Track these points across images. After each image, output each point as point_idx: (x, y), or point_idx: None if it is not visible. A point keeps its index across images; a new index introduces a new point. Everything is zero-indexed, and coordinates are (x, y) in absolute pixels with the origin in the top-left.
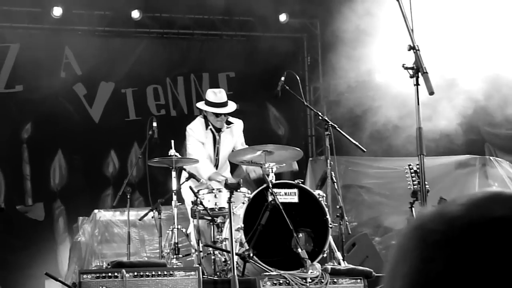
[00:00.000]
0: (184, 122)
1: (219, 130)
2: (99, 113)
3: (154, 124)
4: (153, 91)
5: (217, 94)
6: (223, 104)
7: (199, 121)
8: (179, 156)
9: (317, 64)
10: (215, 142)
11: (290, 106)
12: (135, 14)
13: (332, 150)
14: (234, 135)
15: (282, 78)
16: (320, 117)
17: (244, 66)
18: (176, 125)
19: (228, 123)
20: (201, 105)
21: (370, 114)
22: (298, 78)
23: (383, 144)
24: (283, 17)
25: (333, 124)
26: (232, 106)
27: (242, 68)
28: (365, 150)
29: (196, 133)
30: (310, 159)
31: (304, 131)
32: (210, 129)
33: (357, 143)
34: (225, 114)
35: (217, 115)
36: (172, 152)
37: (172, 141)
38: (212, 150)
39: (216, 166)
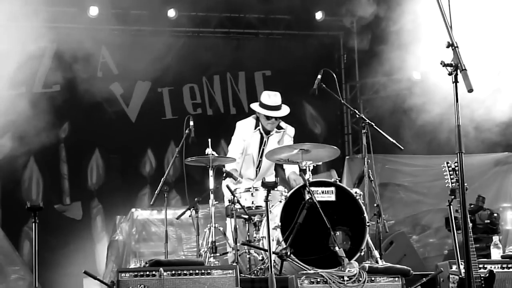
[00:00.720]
0: (220, 121)
1: (268, 133)
2: (136, 112)
3: (191, 123)
4: (189, 90)
5: (271, 97)
6: (276, 108)
7: (250, 120)
8: (216, 155)
9: (354, 62)
10: (262, 143)
11: (327, 104)
12: (171, 13)
13: (369, 148)
14: (283, 141)
15: (319, 76)
16: (357, 115)
17: (280, 65)
18: (212, 124)
19: (279, 128)
20: (254, 106)
21: (408, 112)
22: (334, 76)
23: (421, 142)
24: (319, 15)
25: (370, 122)
26: (285, 111)
27: (278, 66)
28: (402, 148)
29: (242, 130)
30: (347, 157)
31: (341, 129)
32: (259, 130)
33: (394, 141)
34: (276, 118)
35: (268, 117)
36: (209, 151)
37: (209, 140)
38: (257, 152)
39: (258, 168)
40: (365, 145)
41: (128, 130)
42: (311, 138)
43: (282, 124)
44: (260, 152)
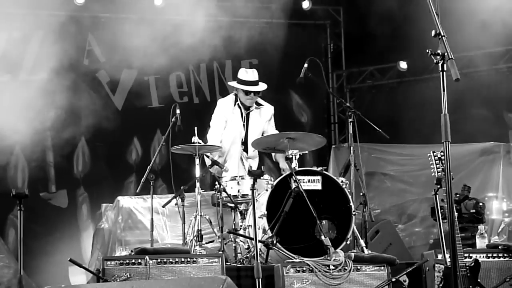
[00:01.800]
0: (207, 110)
1: (247, 108)
2: (122, 100)
3: (177, 111)
4: (176, 78)
5: (248, 73)
6: (254, 83)
7: (230, 97)
8: (202, 143)
9: (341, 52)
10: (243, 119)
11: (313, 93)
12: (158, 1)
13: (355, 137)
14: (262, 116)
15: (306, 65)
16: (343, 104)
17: (267, 53)
18: (199, 112)
19: (258, 104)
20: (232, 83)
21: (394, 101)
22: (321, 65)
23: (408, 131)
24: (306, 4)
25: (356, 111)
26: (262, 86)
27: (265, 55)
28: (388, 137)
29: (223, 107)
30: (333, 146)
31: (327, 118)
32: (238, 105)
33: (380, 130)
34: (254, 93)
35: (246, 92)
36: (195, 139)
37: (195, 128)
38: (242, 127)
39: (245, 144)
40: (351, 134)
41: (114, 118)
42: (298, 127)
43: (261, 101)
44: (245, 129)
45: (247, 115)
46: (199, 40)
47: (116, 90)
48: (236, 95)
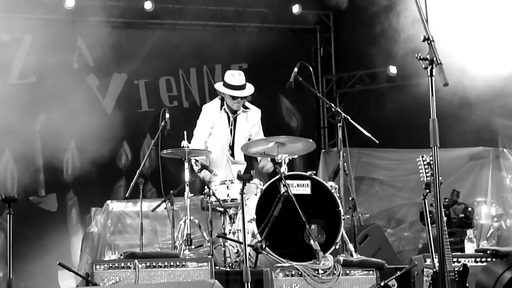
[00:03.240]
0: (196, 114)
1: (234, 112)
2: (112, 104)
3: (167, 115)
4: (165, 83)
5: (235, 76)
6: (241, 87)
7: (215, 102)
8: (192, 148)
9: (330, 56)
10: (230, 123)
11: (303, 97)
12: (148, 5)
13: (344, 141)
14: (249, 120)
15: (295, 69)
16: (333, 109)
17: (257, 58)
18: (188, 116)
19: (245, 108)
20: (218, 86)
21: (384, 106)
22: (311, 69)
23: (397, 136)
24: (296, 9)
25: (345, 115)
26: (249, 90)
27: (255, 59)
28: (377, 141)
29: (208, 112)
30: (323, 151)
31: (317, 123)
32: (225, 109)
33: (369, 135)
34: (242, 97)
35: (233, 97)
36: (185, 143)
37: (185, 132)
38: (228, 132)
39: (232, 149)
40: (340, 138)
41: (104, 122)
42: (287, 131)
43: (248, 104)
44: (232, 134)
45: (234, 119)
46: (189, 44)
47: (106, 94)
48: (222, 98)
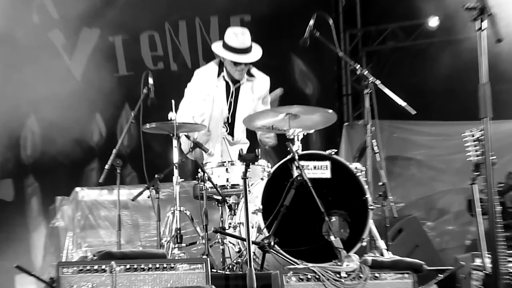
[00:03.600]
0: (187, 78)
1: (236, 82)
2: (82, 67)
3: (150, 80)
4: (148, 40)
5: (238, 36)
6: (246, 50)
7: (211, 66)
8: (182, 121)
9: (355, 5)
10: (230, 95)
11: (321, 58)
12: None
13: (373, 112)
14: (255, 92)
15: (311, 23)
16: (358, 71)
17: (263, 7)
18: (177, 82)
19: (250, 75)
20: (217, 48)
21: (422, 68)
22: (331, 22)
23: (439, 105)
24: None
25: (374, 79)
26: (256, 54)
27: (260, 9)
28: (414, 112)
29: (203, 79)
30: (346, 124)
31: (338, 89)
32: (224, 77)
33: (405, 103)
34: (246, 64)
35: (236, 63)
36: (173, 115)
37: (173, 102)
38: (226, 106)
39: (232, 127)
40: (367, 108)
41: (72, 89)
42: (301, 99)
43: (254, 70)
44: (231, 108)
45: (236, 90)
46: None
47: (73, 55)
48: (220, 63)
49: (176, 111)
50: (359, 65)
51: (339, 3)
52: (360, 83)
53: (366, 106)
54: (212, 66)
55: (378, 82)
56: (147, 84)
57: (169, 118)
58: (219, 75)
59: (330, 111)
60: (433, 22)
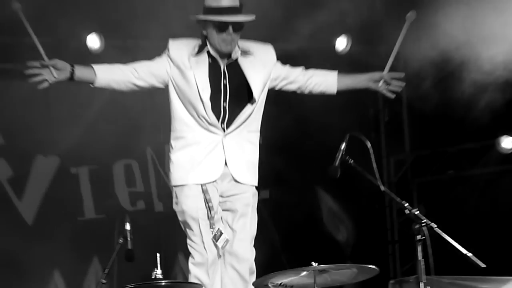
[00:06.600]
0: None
1: (226, 56)
2: (34, 208)
3: (127, 226)
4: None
5: None
6: (232, 10)
7: (188, 41)
8: None
9: (401, 122)
10: (222, 75)
11: (356, 190)
12: None
13: (428, 266)
14: (256, 66)
15: (342, 146)
16: (407, 211)
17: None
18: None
19: (245, 52)
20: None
21: (493, 203)
22: (369, 145)
23: None
24: None
25: (429, 223)
26: (248, 15)
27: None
28: (483, 265)
29: (178, 52)
30: (391, 282)
31: (381, 235)
32: (208, 53)
33: (470, 254)
34: (235, 27)
35: (221, 27)
36: (159, 272)
37: (158, 256)
38: (219, 90)
39: (224, 116)
40: (421, 260)
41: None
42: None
43: (246, 44)
44: (225, 93)
45: (229, 68)
46: None
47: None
48: (204, 42)
49: (161, 268)
50: (407, 203)
51: (380, 119)
52: (410, 227)
53: (419, 258)
54: (190, 41)
55: (434, 225)
56: (123, 231)
57: (152, 277)
58: (199, 51)
59: (373, 266)
60: (507, 143)
